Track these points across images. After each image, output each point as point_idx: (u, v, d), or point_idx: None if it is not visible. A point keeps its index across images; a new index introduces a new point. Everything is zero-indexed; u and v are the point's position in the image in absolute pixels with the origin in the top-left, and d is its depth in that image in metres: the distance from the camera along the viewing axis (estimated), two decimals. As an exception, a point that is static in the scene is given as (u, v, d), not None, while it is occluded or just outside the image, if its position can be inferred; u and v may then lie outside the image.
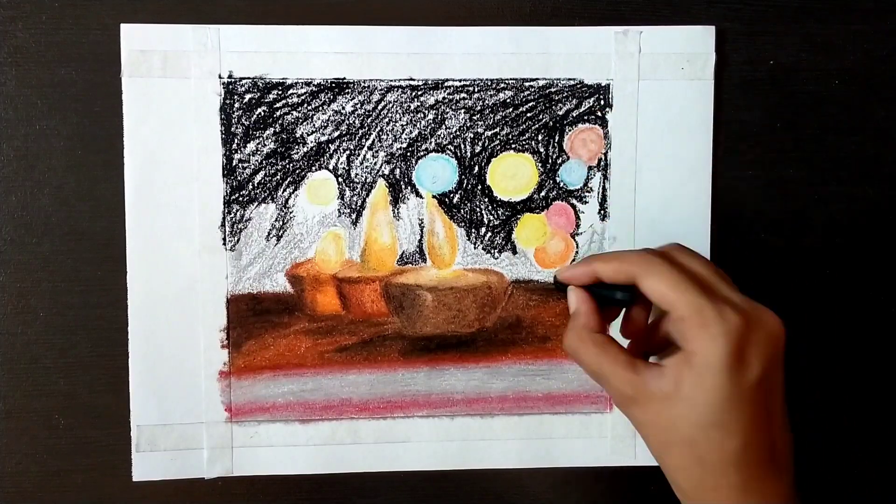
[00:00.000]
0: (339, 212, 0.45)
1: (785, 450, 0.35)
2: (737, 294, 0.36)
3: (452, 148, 0.46)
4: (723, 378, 0.34)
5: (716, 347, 0.34)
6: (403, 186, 0.45)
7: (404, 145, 0.45)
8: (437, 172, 0.46)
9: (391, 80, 0.45)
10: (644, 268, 0.36)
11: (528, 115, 0.46)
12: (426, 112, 0.45)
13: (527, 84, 0.45)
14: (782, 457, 0.35)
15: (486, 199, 0.46)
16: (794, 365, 0.48)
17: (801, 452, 0.48)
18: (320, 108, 0.45)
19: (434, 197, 0.46)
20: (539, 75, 0.45)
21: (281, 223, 0.45)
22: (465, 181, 0.46)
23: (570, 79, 0.46)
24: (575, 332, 0.38)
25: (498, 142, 0.46)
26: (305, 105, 0.45)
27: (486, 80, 0.45)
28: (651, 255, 0.37)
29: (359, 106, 0.45)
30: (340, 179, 0.45)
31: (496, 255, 0.46)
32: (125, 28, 0.44)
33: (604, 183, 0.46)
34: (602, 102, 0.46)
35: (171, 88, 0.44)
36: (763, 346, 0.35)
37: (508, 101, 0.45)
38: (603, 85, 0.46)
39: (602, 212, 0.46)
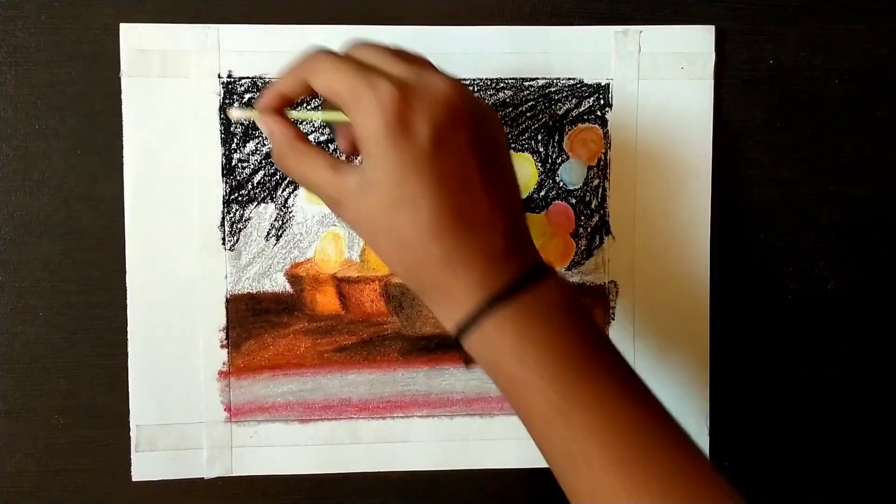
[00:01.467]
0: (339, 211, 0.45)
1: (492, 210, 0.34)
2: (405, 66, 0.34)
3: (452, 148, 0.45)
4: (389, 151, 0.33)
5: (371, 121, 0.33)
6: (403, 186, 0.45)
7: (404, 145, 0.45)
8: (436, 172, 0.46)
9: (391, 80, 0.45)
10: (311, 66, 0.35)
11: (528, 114, 0.46)
12: (426, 112, 0.45)
13: (526, 84, 0.45)
14: (489, 218, 0.34)
15: (486, 199, 0.46)
16: (794, 364, 0.48)
17: (803, 452, 0.48)
18: (319, 108, 0.45)
19: (434, 197, 0.46)
20: (539, 75, 0.45)
21: (280, 223, 0.45)
22: (465, 181, 0.46)
23: (569, 78, 0.46)
24: (276, 148, 0.36)
25: (497, 141, 0.46)
26: (305, 105, 0.45)
27: (486, 79, 0.45)
28: (318, 53, 0.35)
29: (358, 106, 0.45)
30: (340, 179, 0.45)
31: (496, 254, 0.46)
32: (125, 28, 0.44)
33: (603, 182, 0.46)
34: (602, 102, 0.46)
35: (170, 88, 0.44)
36: (428, 109, 0.33)
37: (508, 100, 0.45)
38: (603, 84, 0.46)
39: (602, 211, 0.46)
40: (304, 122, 0.44)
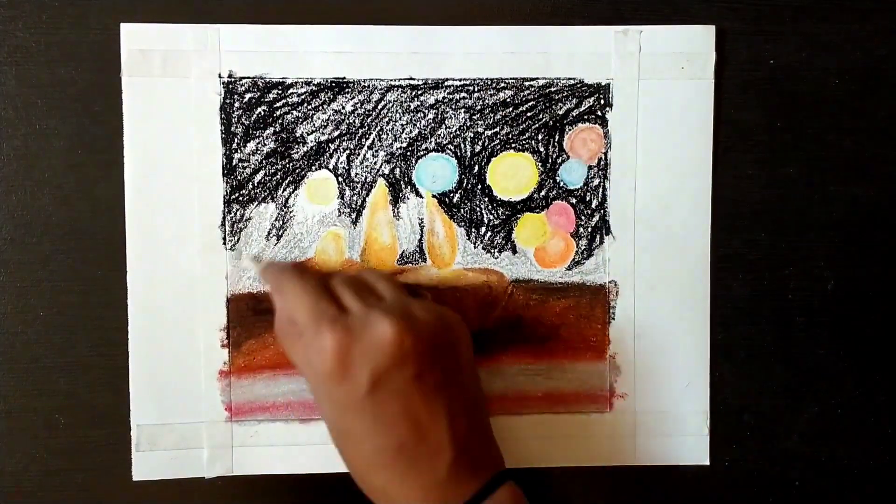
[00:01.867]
0: (339, 211, 0.45)
1: (437, 440, 0.36)
2: (360, 305, 0.37)
3: (452, 147, 0.46)
4: (332, 392, 0.36)
5: (313, 368, 0.36)
6: (403, 186, 0.45)
7: (404, 145, 0.45)
8: (436, 172, 0.46)
9: (391, 80, 0.45)
10: (279, 286, 0.39)
11: (528, 114, 0.46)
12: (426, 111, 0.45)
13: (527, 83, 0.45)
14: (433, 449, 0.36)
15: (486, 199, 0.46)
16: (794, 364, 0.48)
17: (803, 452, 0.48)
18: (320, 108, 0.45)
19: (434, 196, 0.46)
20: (539, 75, 0.45)
21: (281, 223, 0.45)
22: (465, 181, 0.46)
23: (569, 78, 0.46)
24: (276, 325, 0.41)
25: (498, 141, 0.46)
26: (305, 104, 0.45)
27: (486, 79, 0.45)
28: (289, 274, 0.39)
29: (359, 105, 0.45)
30: (340, 179, 0.45)
31: (496, 254, 0.46)
32: (125, 28, 0.44)
33: (604, 182, 0.46)
34: (602, 102, 0.46)
35: (171, 88, 0.44)
36: (369, 355, 0.35)
37: (508, 100, 0.45)
38: (603, 84, 0.46)
39: (602, 211, 0.46)
40: None
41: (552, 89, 0.46)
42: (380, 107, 0.45)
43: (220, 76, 0.44)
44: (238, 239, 0.45)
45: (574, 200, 0.46)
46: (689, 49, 0.46)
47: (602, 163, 0.46)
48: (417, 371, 0.36)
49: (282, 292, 0.39)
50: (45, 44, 0.44)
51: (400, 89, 0.45)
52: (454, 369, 0.37)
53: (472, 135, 0.45)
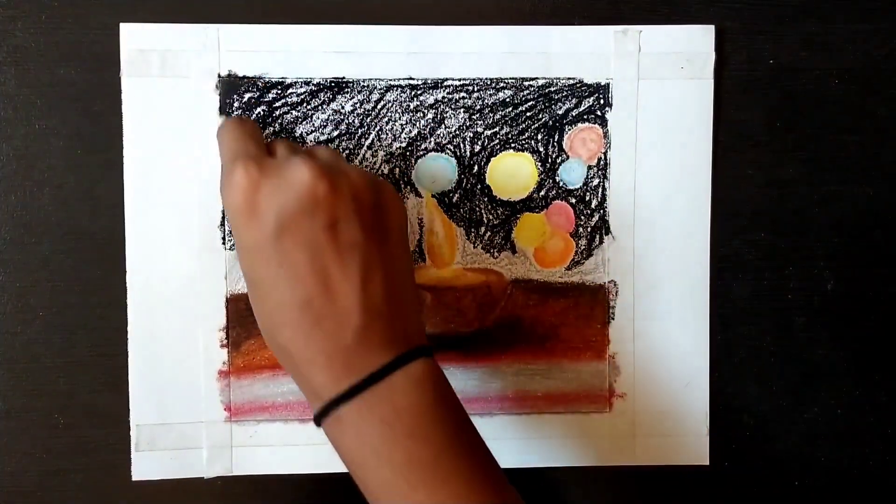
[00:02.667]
0: (339, 211, 0.45)
1: (346, 303, 0.34)
2: (287, 153, 0.36)
3: (452, 147, 0.46)
4: (242, 234, 0.34)
5: (226, 199, 0.34)
6: (403, 186, 0.45)
7: (403, 145, 0.45)
8: (436, 172, 0.46)
9: (390, 80, 0.45)
10: (219, 132, 0.38)
11: (528, 114, 0.46)
12: (425, 111, 0.45)
13: (526, 83, 0.45)
14: (340, 311, 0.34)
15: (486, 199, 0.46)
16: (794, 365, 0.48)
17: (803, 452, 0.48)
18: (319, 108, 0.45)
19: (433, 196, 0.46)
20: (538, 74, 0.45)
21: (280, 223, 0.45)
22: (465, 181, 0.46)
23: (569, 78, 0.46)
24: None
25: (497, 141, 0.46)
26: (305, 104, 0.45)
27: (486, 79, 0.45)
28: (228, 121, 0.38)
29: (358, 105, 0.45)
30: (340, 179, 0.45)
31: (495, 254, 0.46)
32: (124, 27, 0.44)
33: (603, 182, 0.46)
34: (602, 102, 0.46)
35: (170, 88, 0.44)
36: (278, 195, 0.33)
37: (508, 100, 0.45)
38: (602, 84, 0.46)
39: (601, 211, 0.46)
40: None
41: (552, 89, 0.46)
42: (379, 107, 0.45)
43: (219, 76, 0.44)
44: (238, 239, 0.45)
45: (574, 200, 0.46)
46: (689, 49, 0.46)
47: (602, 163, 0.46)
48: (330, 221, 0.34)
49: (219, 137, 0.38)
50: (45, 44, 0.44)
51: (399, 89, 0.45)
52: (378, 232, 0.35)
53: (471, 135, 0.45)
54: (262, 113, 0.45)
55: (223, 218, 0.45)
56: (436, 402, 0.34)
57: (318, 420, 0.35)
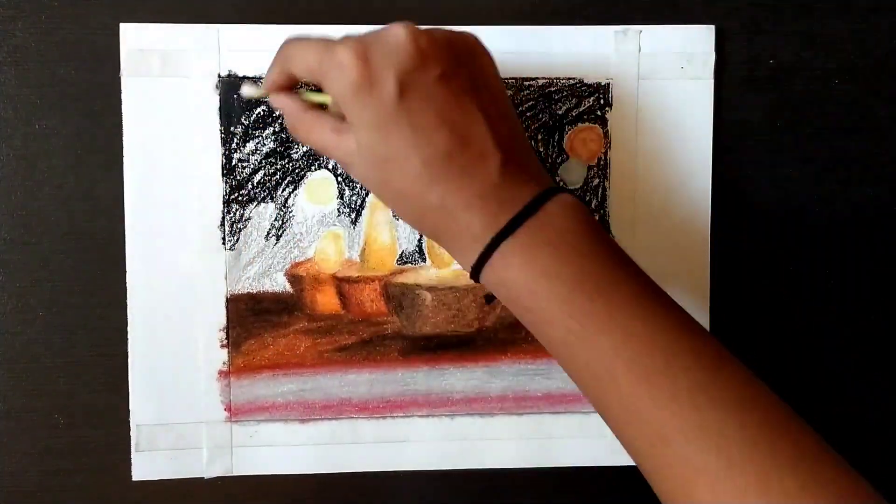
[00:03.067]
0: (339, 211, 0.45)
1: (482, 144, 0.34)
2: (369, 31, 0.35)
3: (452, 147, 0.45)
4: (362, 110, 0.34)
5: (338, 85, 0.34)
6: (403, 186, 0.45)
7: (404, 145, 0.45)
8: (436, 172, 0.45)
9: (391, 80, 0.45)
10: (285, 55, 0.36)
11: (528, 114, 0.46)
12: (426, 112, 0.45)
13: (526, 83, 0.45)
14: (479, 153, 0.34)
15: (486, 199, 0.46)
16: (794, 364, 0.48)
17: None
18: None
19: (434, 196, 0.46)
20: (538, 74, 0.45)
21: (280, 223, 0.45)
22: (465, 181, 0.46)
23: (569, 78, 0.46)
24: (287, 121, 0.38)
25: (497, 141, 0.46)
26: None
27: (486, 79, 0.45)
28: (289, 41, 0.36)
29: (358, 105, 0.45)
30: (340, 179, 0.45)
31: (496, 254, 0.46)
32: (124, 27, 0.44)
33: (604, 182, 0.46)
34: (602, 102, 0.46)
35: (170, 88, 0.44)
36: (388, 59, 0.33)
37: (508, 100, 0.45)
38: (603, 84, 0.46)
39: (602, 211, 0.46)
40: None
41: (552, 89, 0.46)
42: (379, 107, 0.45)
43: (219, 76, 0.44)
44: (237, 239, 0.45)
45: (574, 200, 0.46)
46: (689, 49, 0.46)
47: (602, 163, 0.46)
48: (442, 71, 0.34)
49: (289, 59, 0.36)
50: (45, 44, 0.44)
51: (399, 89, 0.45)
52: (480, 78, 0.35)
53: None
54: (262, 113, 0.45)
55: (223, 218, 0.45)
56: (593, 226, 0.35)
57: (480, 264, 0.34)
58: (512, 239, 0.34)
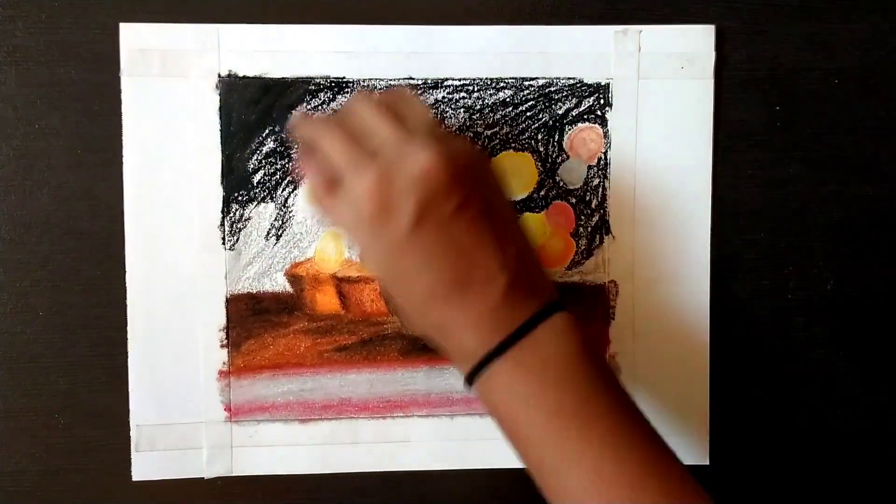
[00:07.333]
0: (339, 211, 0.45)
1: (488, 266, 0.35)
2: (391, 133, 0.35)
3: (452, 147, 0.45)
4: (379, 235, 0.34)
5: (360, 211, 0.34)
6: (403, 186, 0.45)
7: (404, 145, 0.45)
8: (436, 172, 0.45)
9: (391, 80, 0.45)
10: (319, 133, 0.37)
11: (528, 114, 0.46)
12: (426, 111, 0.45)
13: (526, 83, 0.45)
14: (485, 275, 0.35)
15: (486, 199, 0.46)
16: (794, 364, 0.48)
17: (803, 452, 0.48)
18: (320, 108, 0.45)
19: (434, 196, 0.46)
20: (538, 74, 0.45)
21: (280, 222, 0.45)
22: (465, 181, 0.46)
23: (569, 78, 0.46)
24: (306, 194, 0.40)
25: (497, 141, 0.46)
26: (305, 104, 0.45)
27: (486, 79, 0.45)
28: (324, 122, 0.37)
29: (358, 105, 0.45)
30: (340, 179, 0.45)
31: (496, 254, 0.46)
32: (124, 27, 0.44)
33: (603, 182, 0.46)
34: (602, 102, 0.46)
35: (170, 88, 0.44)
36: (411, 189, 0.34)
37: (508, 100, 0.45)
38: (603, 84, 0.46)
39: (602, 211, 0.46)
40: None
41: (552, 89, 0.46)
42: (379, 107, 0.45)
43: (219, 76, 0.44)
44: (237, 239, 0.45)
45: (574, 200, 0.46)
46: (689, 49, 0.46)
47: (602, 162, 0.46)
48: (461, 200, 0.34)
49: (321, 139, 0.37)
50: (45, 44, 0.44)
51: (399, 89, 0.45)
52: (492, 197, 0.36)
53: (471, 134, 0.45)
54: (261, 113, 0.45)
55: (223, 218, 0.45)
56: (579, 352, 0.35)
57: (471, 380, 0.36)
58: (502, 359, 0.35)
